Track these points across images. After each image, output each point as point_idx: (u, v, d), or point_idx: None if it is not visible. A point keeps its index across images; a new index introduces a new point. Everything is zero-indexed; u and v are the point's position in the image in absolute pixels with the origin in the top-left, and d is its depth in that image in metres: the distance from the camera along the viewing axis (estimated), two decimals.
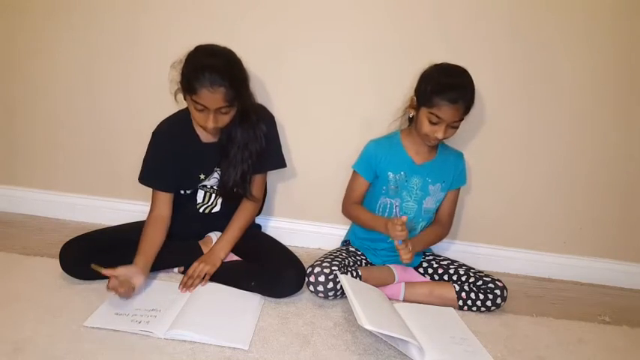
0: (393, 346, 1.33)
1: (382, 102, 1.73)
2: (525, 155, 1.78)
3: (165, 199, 1.56)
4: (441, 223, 1.68)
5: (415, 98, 1.52)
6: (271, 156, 1.63)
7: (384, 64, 1.70)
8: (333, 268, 1.48)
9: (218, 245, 1.57)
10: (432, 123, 1.46)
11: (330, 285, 1.46)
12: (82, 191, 1.88)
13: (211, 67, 1.34)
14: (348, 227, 1.80)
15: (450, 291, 1.57)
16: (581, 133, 1.75)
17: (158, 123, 1.56)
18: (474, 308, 1.55)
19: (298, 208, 1.87)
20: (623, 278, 1.88)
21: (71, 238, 1.50)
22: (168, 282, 1.46)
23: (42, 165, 1.88)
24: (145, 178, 1.56)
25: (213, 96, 1.35)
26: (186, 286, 1.46)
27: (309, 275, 1.48)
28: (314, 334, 1.36)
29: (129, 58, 1.73)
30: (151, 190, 1.57)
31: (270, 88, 1.73)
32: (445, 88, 1.43)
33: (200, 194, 1.63)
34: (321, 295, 1.48)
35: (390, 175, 1.59)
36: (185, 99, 1.43)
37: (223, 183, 1.57)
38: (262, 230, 1.80)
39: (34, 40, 1.74)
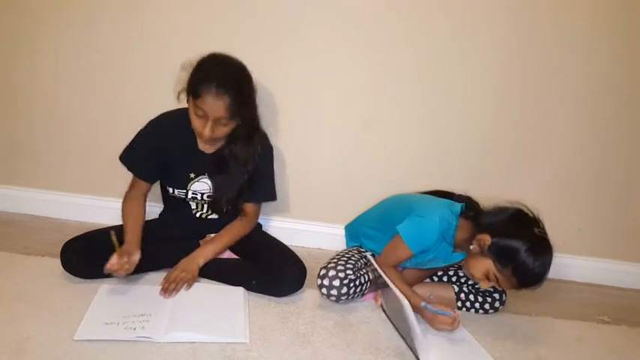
0: (392, 346, 1.33)
1: (382, 102, 1.74)
2: (525, 155, 1.78)
3: (142, 187, 1.58)
4: None
5: (488, 240, 1.35)
6: (264, 187, 1.62)
7: (384, 64, 1.70)
8: (347, 272, 1.46)
9: (199, 253, 1.53)
10: (488, 280, 1.38)
11: (344, 290, 1.45)
12: (83, 191, 1.88)
13: (220, 77, 1.36)
14: None
15: (449, 292, 1.57)
16: (580, 133, 1.75)
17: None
18: (472, 310, 1.56)
19: (298, 208, 1.87)
20: (622, 278, 1.88)
21: (72, 237, 1.50)
22: (147, 286, 1.45)
23: (43, 165, 1.88)
24: (125, 158, 1.56)
25: (215, 104, 1.35)
26: (167, 291, 1.43)
27: (322, 278, 1.46)
28: (314, 333, 1.36)
29: (131, 59, 1.73)
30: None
31: (270, 88, 1.73)
32: None
33: (192, 204, 1.63)
34: (332, 298, 1.46)
35: (430, 256, 1.50)
36: (187, 101, 1.44)
37: (217, 197, 1.55)
38: (262, 229, 1.81)
39: (35, 40, 1.74)
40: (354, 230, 1.73)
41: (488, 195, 1.83)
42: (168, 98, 1.63)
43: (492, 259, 1.34)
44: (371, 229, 1.63)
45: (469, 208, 1.49)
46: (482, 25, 1.65)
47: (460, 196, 1.57)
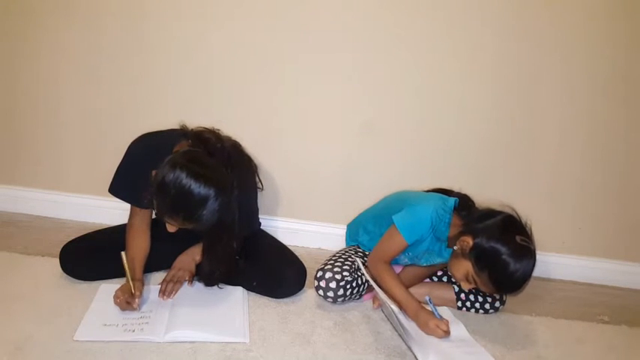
0: (392, 345, 1.33)
1: (381, 103, 1.74)
2: (524, 155, 1.78)
3: (143, 215, 1.48)
4: None
5: (470, 242, 1.36)
6: (247, 221, 1.54)
7: (383, 64, 1.70)
8: (344, 274, 1.46)
9: (195, 249, 1.51)
10: (468, 281, 1.39)
11: (341, 292, 1.45)
12: (83, 191, 1.88)
13: (189, 211, 1.21)
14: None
15: (449, 292, 1.57)
16: (579, 133, 1.75)
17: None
18: (472, 310, 1.56)
19: (298, 208, 1.87)
20: (622, 278, 1.88)
21: (71, 239, 1.50)
22: (146, 287, 1.44)
23: (44, 165, 1.88)
24: (116, 189, 1.47)
25: (181, 226, 1.27)
26: (165, 292, 1.42)
27: (319, 280, 1.46)
28: (314, 333, 1.36)
29: (132, 59, 1.73)
30: None
31: (270, 86, 1.73)
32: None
33: None
34: (329, 300, 1.47)
35: (424, 247, 1.49)
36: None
37: (208, 274, 1.45)
38: (262, 228, 1.80)
39: (37, 40, 1.74)
40: (354, 229, 1.73)
41: (488, 195, 1.83)
42: (170, 99, 1.63)
43: (472, 262, 1.35)
44: (370, 225, 1.64)
45: (463, 205, 1.50)
46: (480, 26, 1.64)
47: (458, 193, 1.58)
